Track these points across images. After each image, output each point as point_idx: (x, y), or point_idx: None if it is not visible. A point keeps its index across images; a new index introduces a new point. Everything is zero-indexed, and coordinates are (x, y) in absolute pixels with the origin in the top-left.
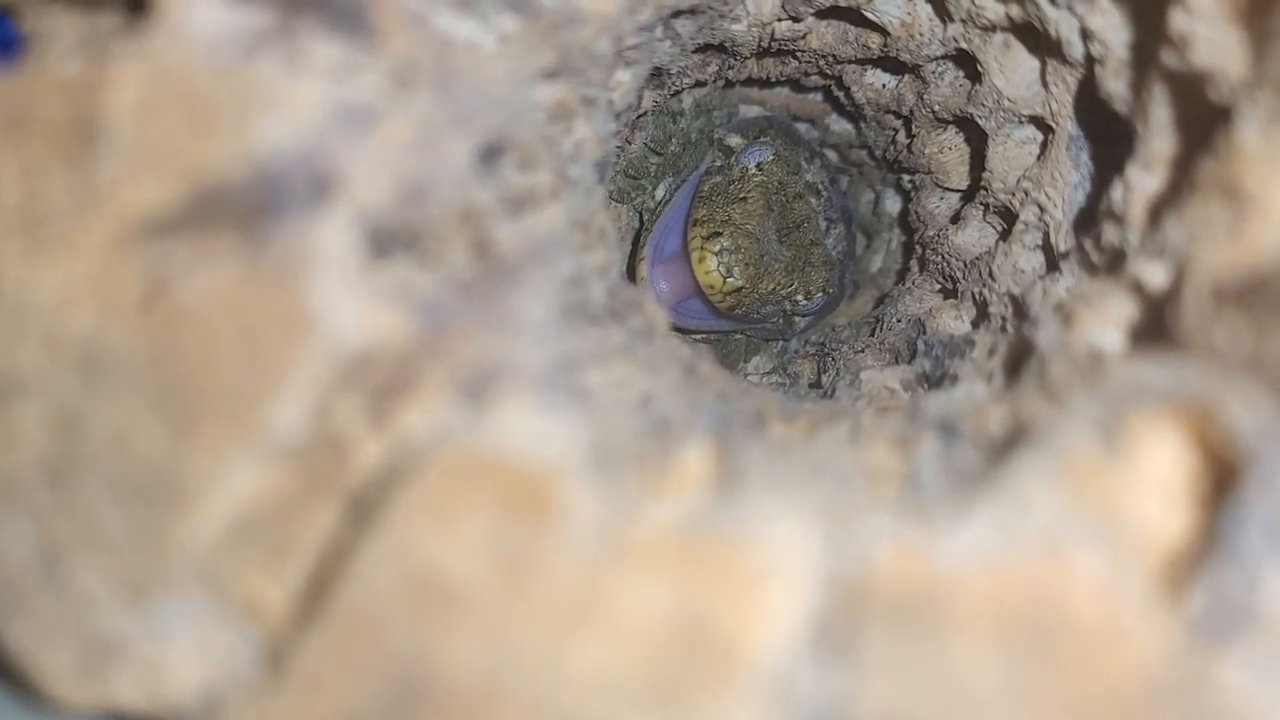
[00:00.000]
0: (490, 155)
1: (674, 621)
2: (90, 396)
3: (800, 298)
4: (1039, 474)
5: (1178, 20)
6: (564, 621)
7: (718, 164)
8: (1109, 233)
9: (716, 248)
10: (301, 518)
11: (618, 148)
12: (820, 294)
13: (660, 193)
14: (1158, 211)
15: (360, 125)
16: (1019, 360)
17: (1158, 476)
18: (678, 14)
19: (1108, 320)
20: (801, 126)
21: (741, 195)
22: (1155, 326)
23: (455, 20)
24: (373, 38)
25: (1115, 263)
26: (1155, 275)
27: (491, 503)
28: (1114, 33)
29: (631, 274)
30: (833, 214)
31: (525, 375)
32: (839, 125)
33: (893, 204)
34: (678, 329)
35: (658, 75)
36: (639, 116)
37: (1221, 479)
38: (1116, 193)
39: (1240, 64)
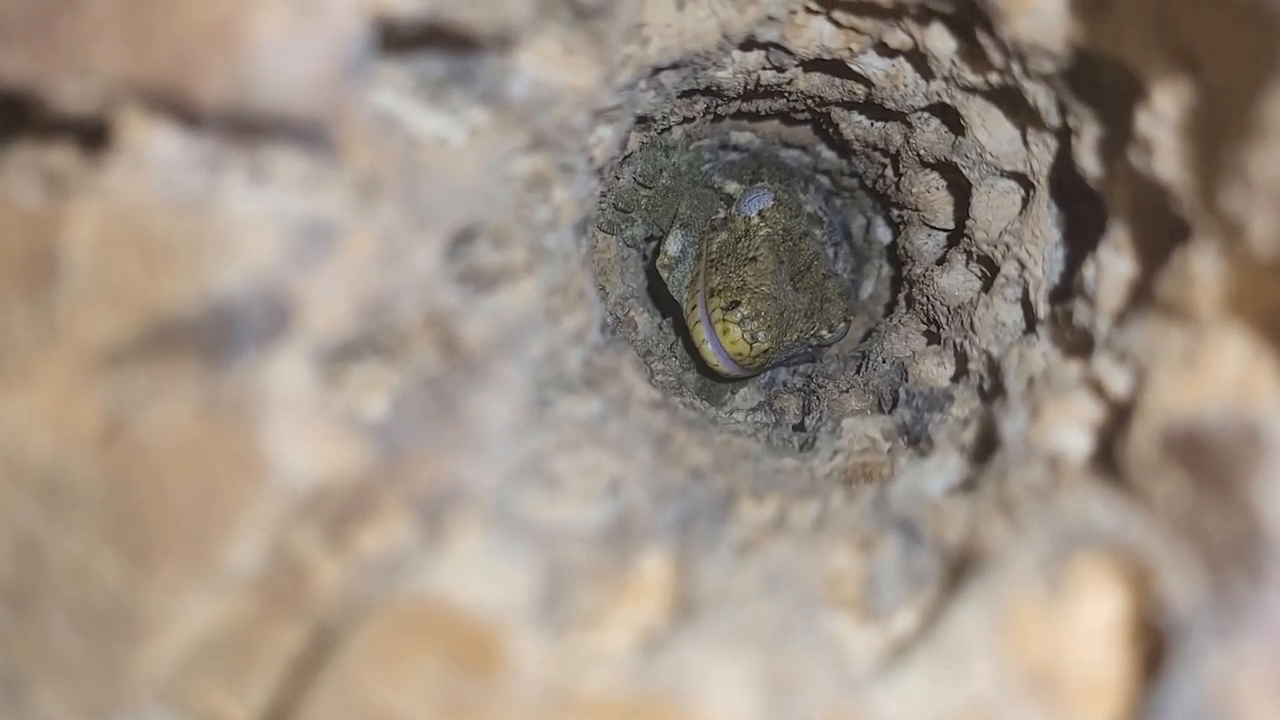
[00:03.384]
0: (461, 241)
1: None
2: (50, 525)
3: (824, 332)
4: (980, 623)
5: (1143, 121)
6: None
7: (720, 215)
8: (1080, 312)
9: (738, 317)
10: (263, 639)
11: (602, 193)
12: (842, 324)
13: (672, 248)
14: (1124, 312)
15: (321, 247)
16: (987, 446)
17: (1095, 631)
18: (660, 70)
19: (1072, 419)
20: (793, 153)
21: (751, 255)
22: (1113, 438)
23: (425, 116)
24: (335, 152)
25: (1084, 347)
26: (1117, 381)
27: (439, 654)
28: (1089, 110)
29: (681, 329)
30: (836, 236)
31: (481, 500)
32: (829, 153)
33: (883, 233)
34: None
35: (643, 120)
36: (626, 157)
37: (1152, 648)
38: (1089, 271)
39: (1196, 188)
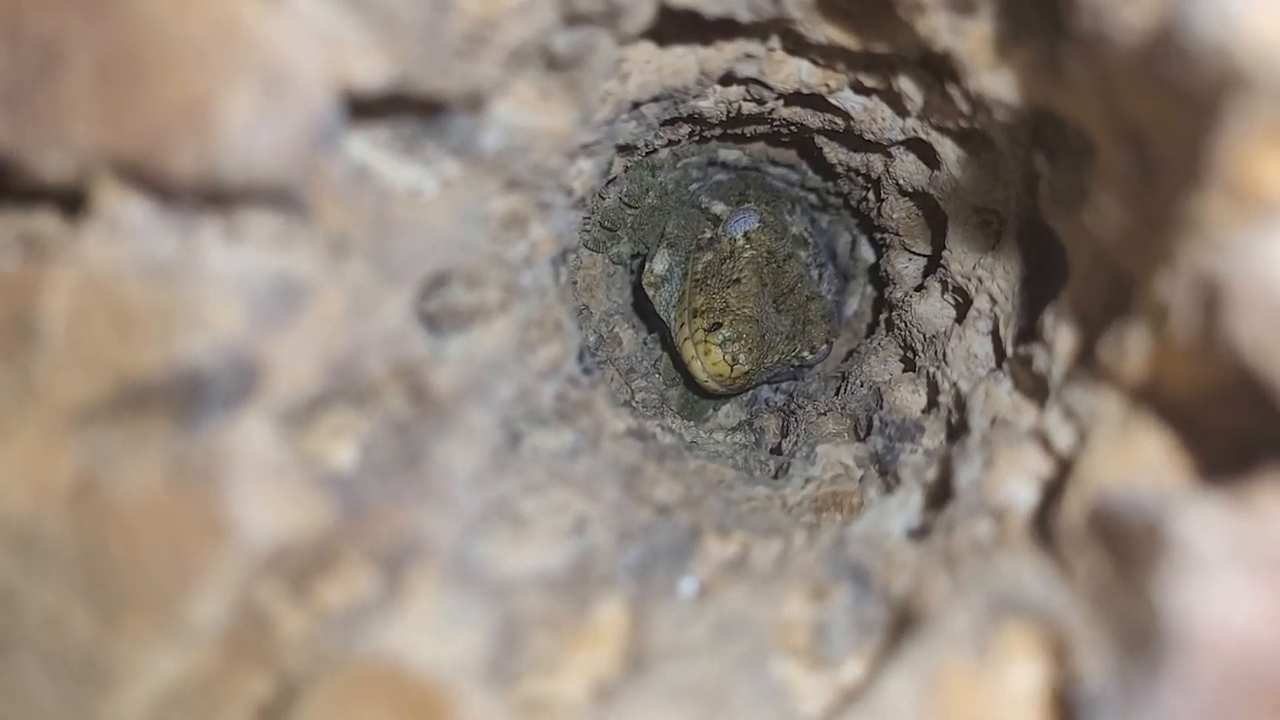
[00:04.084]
0: (433, 287)
1: None
2: (25, 578)
3: (806, 354)
4: (910, 687)
5: (1094, 186)
6: None
7: (707, 235)
8: (1039, 358)
9: (719, 339)
10: (229, 688)
11: (585, 217)
12: (824, 345)
13: (659, 266)
14: (1073, 369)
15: (290, 307)
16: (944, 490)
17: (1017, 701)
18: (640, 104)
19: (1021, 471)
20: (780, 170)
21: (735, 276)
22: (1053, 497)
23: (398, 168)
24: (308, 213)
25: (1040, 395)
26: (1062, 439)
27: (390, 716)
28: (1053, 161)
29: (669, 346)
30: (821, 257)
31: (441, 553)
32: (815, 175)
33: (868, 252)
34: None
35: (626, 149)
36: (611, 180)
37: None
38: (1049, 317)
39: (1135, 261)
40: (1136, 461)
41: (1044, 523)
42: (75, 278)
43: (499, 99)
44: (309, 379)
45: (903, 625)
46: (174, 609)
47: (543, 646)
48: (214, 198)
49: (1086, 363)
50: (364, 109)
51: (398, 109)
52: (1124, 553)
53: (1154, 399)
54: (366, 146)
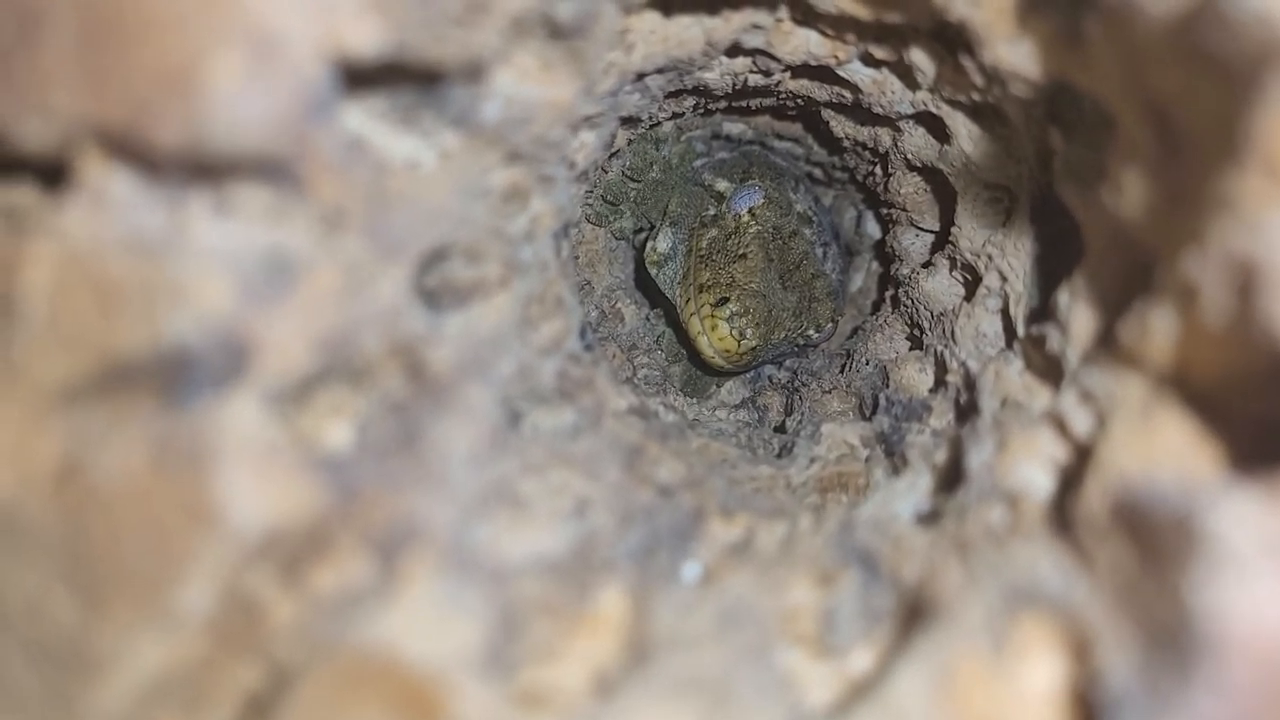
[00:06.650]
0: (431, 262)
1: None
2: (5, 563)
3: (811, 332)
4: (922, 682)
5: (1115, 162)
6: None
7: (710, 213)
8: (1053, 338)
9: (726, 314)
10: (217, 676)
11: (588, 191)
12: (830, 324)
13: (662, 245)
14: (1091, 350)
15: (281, 284)
16: (955, 473)
17: (1035, 698)
18: (644, 75)
19: (1035, 456)
20: (785, 144)
21: (740, 252)
22: (1071, 482)
23: (395, 139)
24: (300, 186)
25: (1054, 376)
26: (1079, 423)
27: (382, 709)
28: (1069, 136)
29: (674, 324)
30: (825, 236)
31: (438, 537)
32: (820, 149)
33: (873, 228)
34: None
35: (630, 120)
36: (614, 153)
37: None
38: (1064, 296)
39: (1159, 240)
40: (1160, 449)
41: (1062, 510)
42: (57, 252)
43: (500, 69)
44: (301, 358)
45: (913, 614)
46: (160, 596)
47: (542, 634)
48: (202, 170)
49: (1105, 344)
50: (359, 78)
51: (394, 78)
52: (1150, 546)
53: (1179, 383)
54: (362, 117)
